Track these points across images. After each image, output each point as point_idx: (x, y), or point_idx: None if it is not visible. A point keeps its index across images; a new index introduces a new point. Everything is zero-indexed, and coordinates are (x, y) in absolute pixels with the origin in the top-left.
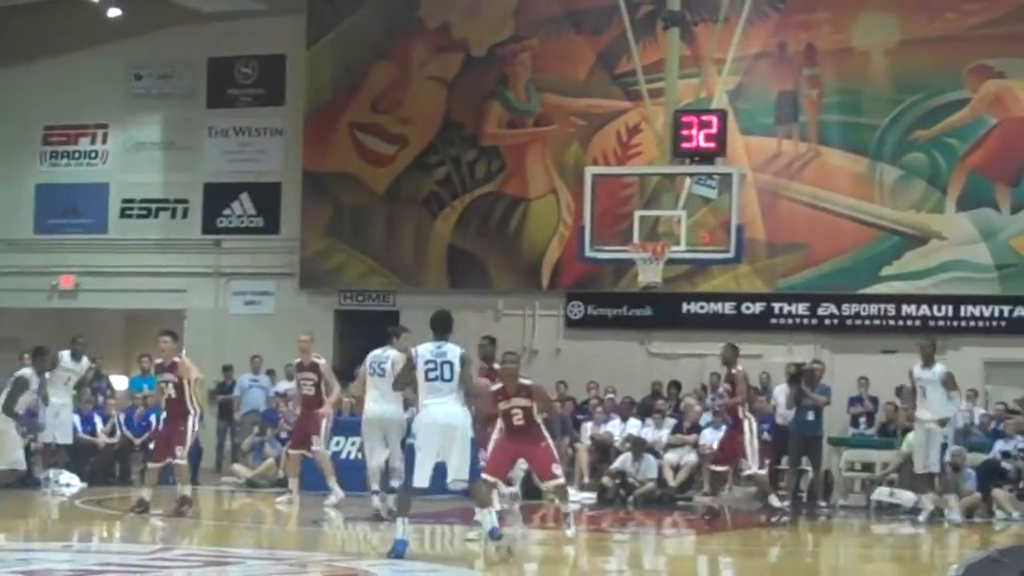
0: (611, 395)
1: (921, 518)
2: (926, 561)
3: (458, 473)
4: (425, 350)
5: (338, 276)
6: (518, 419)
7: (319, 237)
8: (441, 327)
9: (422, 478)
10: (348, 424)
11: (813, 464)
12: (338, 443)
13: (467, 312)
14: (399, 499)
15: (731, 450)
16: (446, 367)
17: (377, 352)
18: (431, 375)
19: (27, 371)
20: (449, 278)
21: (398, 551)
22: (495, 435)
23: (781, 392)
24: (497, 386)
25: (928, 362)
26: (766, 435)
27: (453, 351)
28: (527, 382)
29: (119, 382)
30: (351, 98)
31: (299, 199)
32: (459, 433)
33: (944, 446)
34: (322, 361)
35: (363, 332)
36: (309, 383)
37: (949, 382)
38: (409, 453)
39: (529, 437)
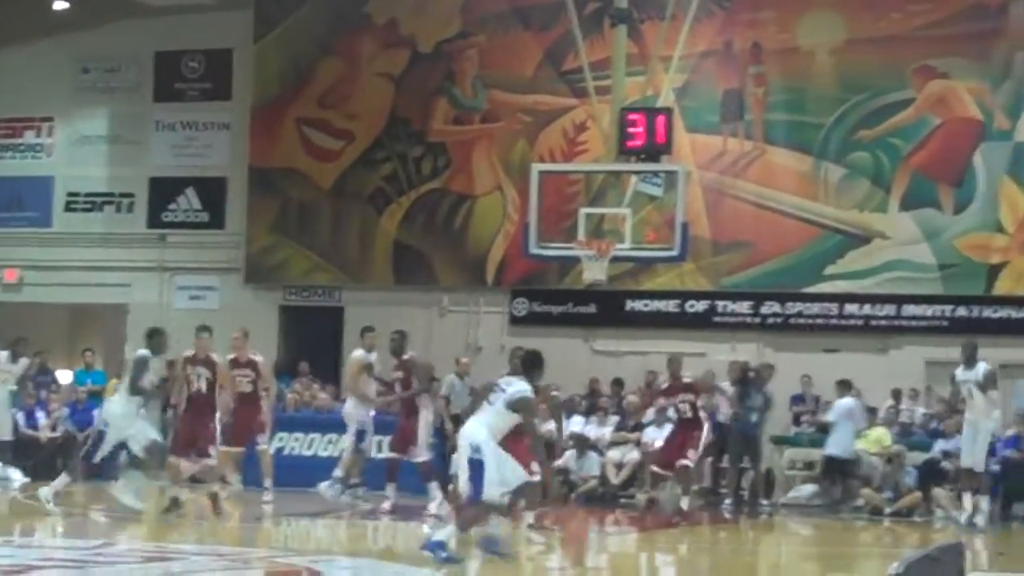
0: (555, 392)
1: (962, 519)
2: (865, 559)
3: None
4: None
5: (283, 272)
6: None
7: (264, 232)
8: (526, 366)
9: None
10: (291, 420)
11: (754, 463)
12: (281, 439)
13: (412, 309)
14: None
15: (680, 447)
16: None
17: None
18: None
19: None
20: (394, 274)
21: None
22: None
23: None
24: None
25: (970, 363)
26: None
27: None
28: None
29: (63, 376)
30: (298, 93)
31: (245, 194)
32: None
33: (992, 446)
34: (260, 358)
35: (308, 328)
36: (246, 380)
37: (988, 382)
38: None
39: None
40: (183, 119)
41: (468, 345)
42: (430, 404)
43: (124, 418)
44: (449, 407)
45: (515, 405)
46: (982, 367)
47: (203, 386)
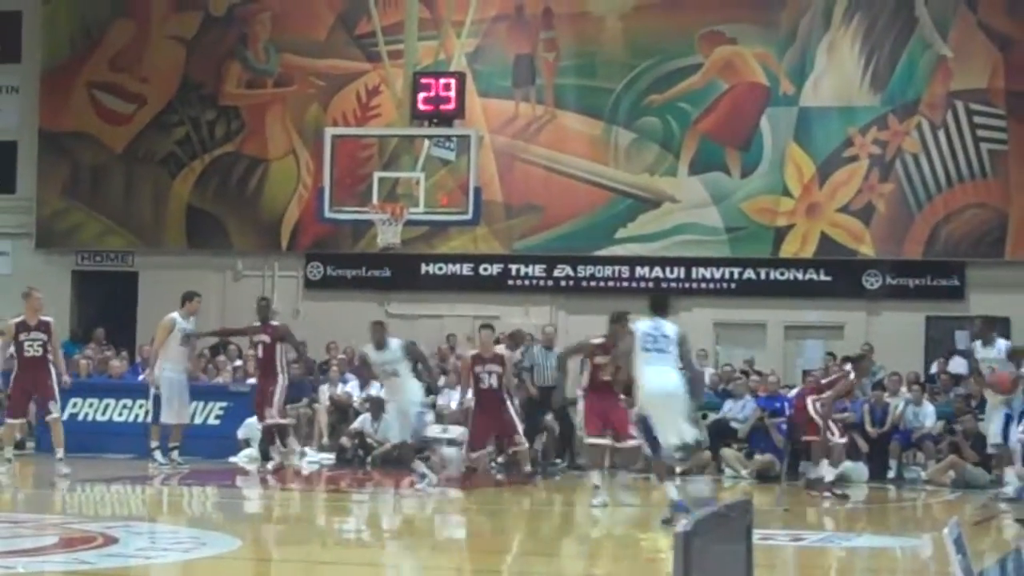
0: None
1: (1009, 491)
2: (655, 518)
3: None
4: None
5: (75, 236)
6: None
7: (56, 197)
8: (657, 307)
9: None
10: (85, 386)
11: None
12: (75, 405)
13: (206, 272)
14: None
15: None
16: (663, 340)
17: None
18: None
19: None
20: (188, 239)
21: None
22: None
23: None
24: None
25: (988, 341)
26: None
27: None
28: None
29: None
30: (88, 56)
31: (35, 158)
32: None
33: (1008, 417)
34: (51, 320)
35: (101, 293)
36: (37, 343)
37: (1013, 358)
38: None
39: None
40: None
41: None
42: (287, 370)
43: None
44: (533, 378)
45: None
46: (1003, 344)
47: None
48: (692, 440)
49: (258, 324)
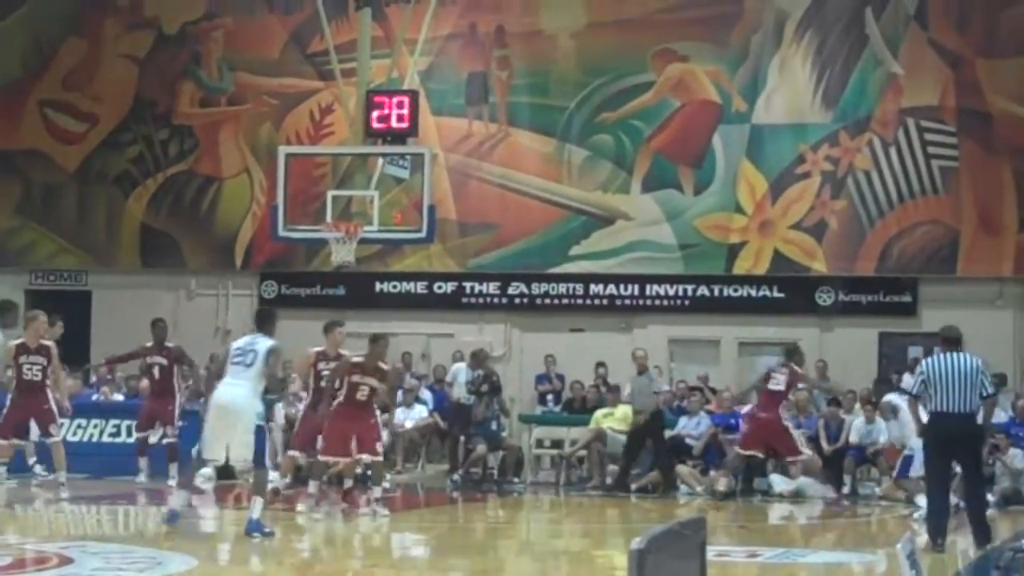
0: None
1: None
2: (613, 535)
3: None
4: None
5: (28, 255)
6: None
7: (8, 215)
8: (260, 321)
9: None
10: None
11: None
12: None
13: (160, 291)
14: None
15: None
16: (250, 355)
17: None
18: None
19: None
20: (142, 257)
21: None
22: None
23: (460, 371)
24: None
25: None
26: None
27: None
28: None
29: None
30: (40, 74)
31: None
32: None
33: None
34: (52, 344)
35: (55, 312)
36: (36, 367)
37: None
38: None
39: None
40: None
41: (217, 328)
42: (182, 390)
43: None
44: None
45: None
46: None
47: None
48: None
49: (150, 345)
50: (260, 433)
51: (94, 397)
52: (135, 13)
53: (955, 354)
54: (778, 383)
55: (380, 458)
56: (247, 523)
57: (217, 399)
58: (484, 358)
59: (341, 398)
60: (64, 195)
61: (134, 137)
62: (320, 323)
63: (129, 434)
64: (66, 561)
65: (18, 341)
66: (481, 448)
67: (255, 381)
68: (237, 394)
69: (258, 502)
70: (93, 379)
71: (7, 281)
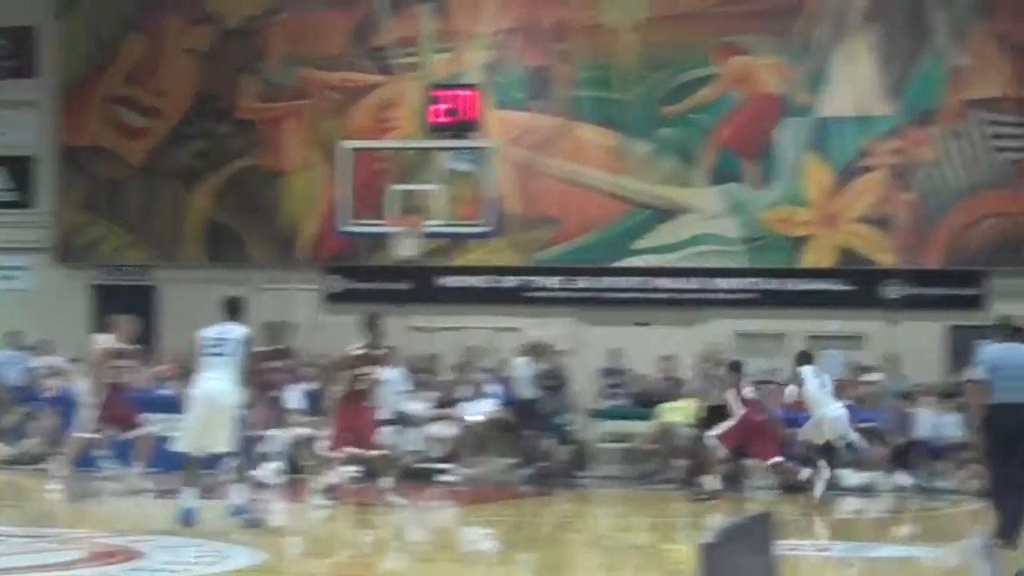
0: None
1: None
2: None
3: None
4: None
5: (94, 251)
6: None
7: (75, 211)
8: (230, 310)
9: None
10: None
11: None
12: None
13: (225, 286)
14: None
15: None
16: (225, 344)
17: None
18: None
19: None
20: (207, 252)
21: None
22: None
23: (522, 365)
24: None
25: None
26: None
27: (235, 331)
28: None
29: None
30: (104, 70)
31: (54, 173)
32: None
33: None
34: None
35: (120, 308)
36: (126, 366)
37: None
38: None
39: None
40: None
41: (283, 323)
42: None
43: None
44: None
45: None
46: None
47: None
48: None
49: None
50: (238, 422)
51: (162, 392)
52: (197, 8)
53: (1019, 344)
54: (751, 391)
55: (383, 451)
56: (233, 508)
57: (198, 392)
58: (544, 352)
59: (346, 392)
60: (129, 190)
61: (198, 132)
62: (386, 317)
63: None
64: (136, 555)
65: (108, 342)
66: (546, 442)
67: (233, 370)
68: (217, 387)
69: (241, 489)
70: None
71: (74, 276)
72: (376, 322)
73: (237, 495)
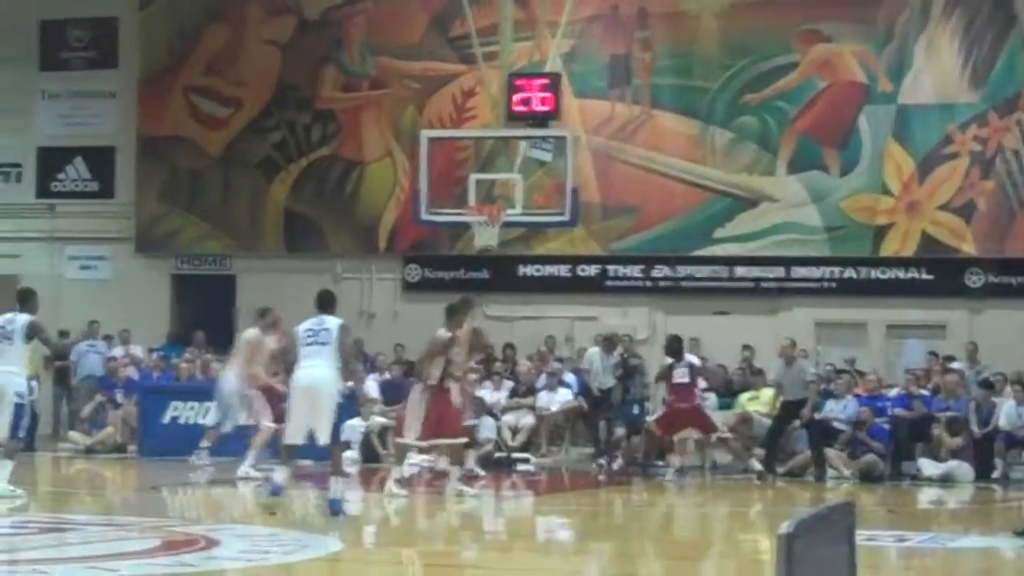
0: None
1: None
2: (759, 519)
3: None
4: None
5: (174, 240)
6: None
7: (154, 201)
8: (324, 303)
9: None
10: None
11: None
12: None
13: (304, 276)
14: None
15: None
16: (323, 333)
17: None
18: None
19: None
20: (286, 242)
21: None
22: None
23: (596, 357)
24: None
25: None
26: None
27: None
28: None
29: None
30: (185, 61)
31: (134, 163)
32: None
33: None
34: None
35: (199, 297)
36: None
37: None
38: None
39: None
40: (70, 88)
41: (362, 312)
42: None
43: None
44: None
45: None
46: None
47: None
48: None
49: None
50: (339, 412)
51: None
52: None
53: None
54: (683, 376)
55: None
56: (330, 503)
57: (298, 382)
58: (617, 342)
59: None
60: (209, 180)
61: (277, 122)
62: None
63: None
64: (213, 543)
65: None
66: (620, 431)
67: (333, 360)
68: (317, 375)
69: (338, 482)
70: None
71: (154, 266)
72: (466, 307)
73: (334, 487)
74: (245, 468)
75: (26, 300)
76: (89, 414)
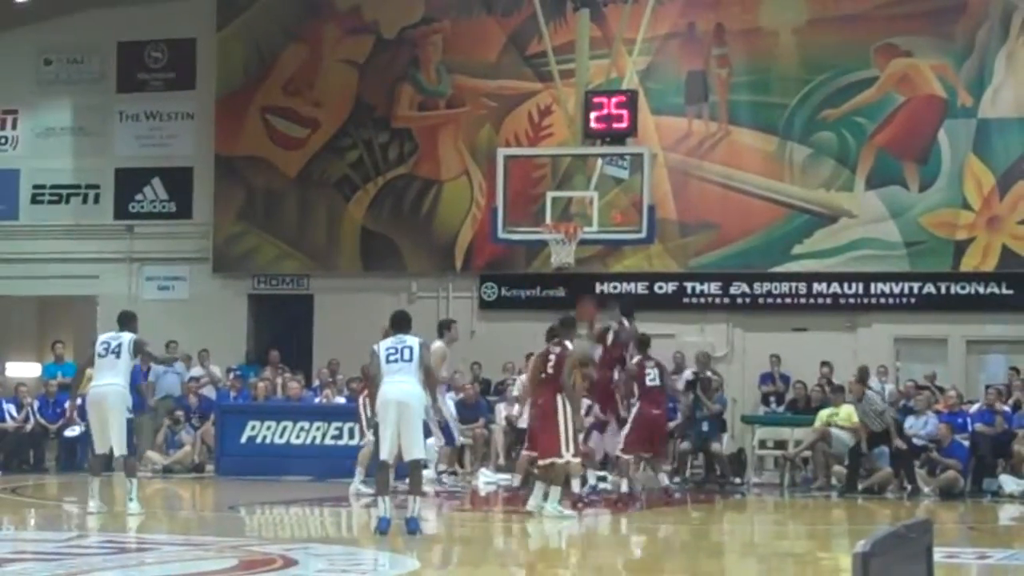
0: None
1: None
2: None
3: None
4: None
5: (251, 260)
6: None
7: (232, 221)
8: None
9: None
10: (263, 409)
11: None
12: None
13: (381, 295)
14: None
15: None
16: (406, 351)
17: None
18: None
19: None
20: (363, 261)
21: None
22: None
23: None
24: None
25: None
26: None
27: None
28: None
29: (32, 369)
30: (262, 81)
31: (211, 183)
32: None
33: None
34: None
35: (277, 316)
36: None
37: None
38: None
39: None
40: (147, 109)
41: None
42: None
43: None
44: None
45: None
46: None
47: None
48: (413, 458)
49: None
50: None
51: (316, 400)
52: (354, 18)
53: None
54: (652, 378)
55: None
56: (408, 522)
57: (387, 396)
58: (699, 358)
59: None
60: (285, 200)
61: (354, 141)
62: (541, 324)
63: (351, 436)
64: (291, 563)
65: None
66: (685, 447)
67: (416, 375)
68: (406, 390)
69: (417, 500)
70: (316, 382)
71: (231, 286)
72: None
73: (412, 506)
74: (356, 485)
75: (128, 321)
76: (167, 434)
